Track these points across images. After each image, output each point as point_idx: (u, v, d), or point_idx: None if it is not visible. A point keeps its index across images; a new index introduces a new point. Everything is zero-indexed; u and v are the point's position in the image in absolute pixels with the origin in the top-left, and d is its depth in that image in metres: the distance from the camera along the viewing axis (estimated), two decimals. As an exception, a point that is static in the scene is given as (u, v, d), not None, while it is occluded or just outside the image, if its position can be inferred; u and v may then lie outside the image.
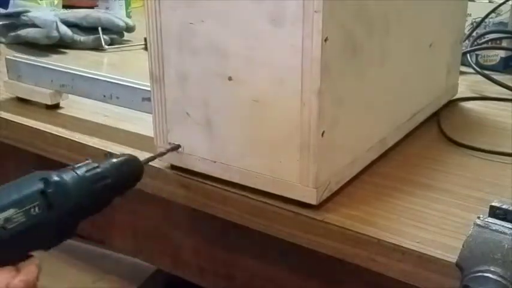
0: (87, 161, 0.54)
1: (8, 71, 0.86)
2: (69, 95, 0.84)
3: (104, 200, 0.54)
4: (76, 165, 0.53)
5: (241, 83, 0.58)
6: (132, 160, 0.58)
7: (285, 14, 0.53)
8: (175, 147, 0.64)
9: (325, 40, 0.52)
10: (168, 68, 0.62)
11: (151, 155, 0.63)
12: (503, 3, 1.01)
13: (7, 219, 0.47)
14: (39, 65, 0.84)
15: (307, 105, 0.54)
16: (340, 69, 0.56)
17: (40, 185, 0.50)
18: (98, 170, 0.53)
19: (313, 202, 0.58)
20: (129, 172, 0.57)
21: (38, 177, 0.50)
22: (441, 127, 0.77)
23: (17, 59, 0.86)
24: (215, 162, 0.62)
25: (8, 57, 0.86)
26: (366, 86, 0.62)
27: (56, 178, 0.50)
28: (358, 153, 0.64)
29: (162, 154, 0.64)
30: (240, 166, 0.61)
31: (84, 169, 0.53)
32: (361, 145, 0.64)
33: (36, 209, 0.49)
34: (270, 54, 0.55)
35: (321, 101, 0.54)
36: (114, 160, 0.56)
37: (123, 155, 0.58)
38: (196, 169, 0.64)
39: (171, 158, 0.65)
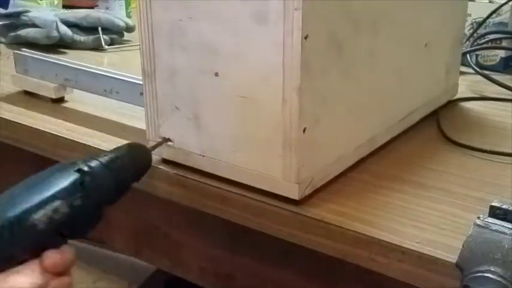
0: (105, 151, 0.56)
1: (15, 64, 0.89)
2: (74, 90, 0.86)
3: (125, 188, 0.56)
4: (101, 155, 0.55)
5: (228, 79, 0.58)
6: (140, 147, 0.61)
7: (268, 11, 0.54)
8: (167, 139, 0.65)
9: (306, 37, 0.53)
10: (159, 63, 0.63)
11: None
12: (504, 3, 1.01)
13: (55, 210, 0.49)
14: (44, 59, 0.87)
15: (288, 102, 0.55)
16: (323, 68, 0.57)
17: (77, 176, 0.51)
18: (117, 158, 0.55)
19: (295, 197, 0.58)
20: (141, 159, 0.60)
21: (71, 167, 0.52)
22: (441, 127, 0.77)
23: (24, 53, 0.89)
24: (204, 156, 0.63)
25: (16, 51, 0.89)
26: (353, 86, 0.62)
27: (87, 168, 0.52)
28: (344, 151, 0.64)
29: (163, 142, 0.65)
30: (227, 161, 0.61)
31: (106, 158, 0.54)
32: (348, 143, 0.64)
33: (78, 200, 0.51)
34: (254, 51, 0.56)
35: (302, 98, 0.54)
36: (125, 148, 0.58)
37: (130, 143, 0.60)
38: (186, 163, 0.64)
39: (163, 152, 0.66)
